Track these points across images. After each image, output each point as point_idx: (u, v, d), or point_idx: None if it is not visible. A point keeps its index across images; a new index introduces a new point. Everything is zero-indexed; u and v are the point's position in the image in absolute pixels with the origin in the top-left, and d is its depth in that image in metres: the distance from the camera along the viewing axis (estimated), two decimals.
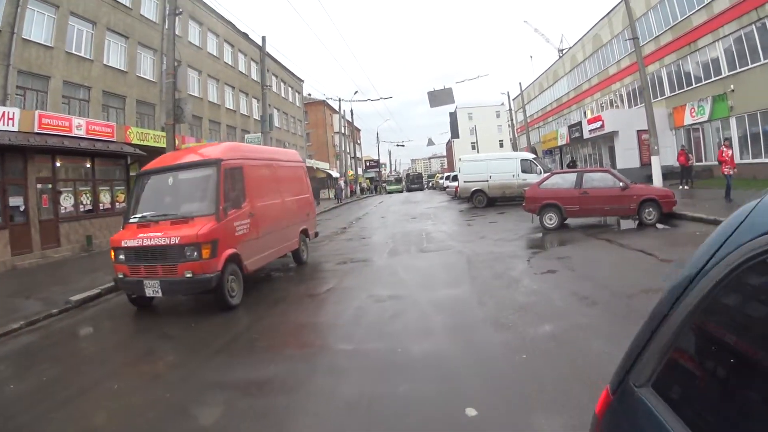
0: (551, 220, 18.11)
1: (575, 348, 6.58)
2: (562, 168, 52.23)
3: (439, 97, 44.52)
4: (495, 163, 31.80)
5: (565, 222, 18.39)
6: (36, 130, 22.48)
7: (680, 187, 27.20)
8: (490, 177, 31.05)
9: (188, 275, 10.14)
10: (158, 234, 10.42)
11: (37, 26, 26.31)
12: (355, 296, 10.92)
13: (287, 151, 18.26)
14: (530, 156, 32.81)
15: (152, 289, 10.40)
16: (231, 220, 11.10)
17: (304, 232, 16.02)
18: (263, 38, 35.97)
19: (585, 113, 54.68)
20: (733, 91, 31.09)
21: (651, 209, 16.86)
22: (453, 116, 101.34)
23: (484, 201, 31.24)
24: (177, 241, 10.20)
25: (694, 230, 15.16)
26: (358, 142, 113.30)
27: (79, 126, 25.91)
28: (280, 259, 14.91)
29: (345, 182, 67.37)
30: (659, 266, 10.81)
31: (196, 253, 10.15)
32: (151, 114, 35.46)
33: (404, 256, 15.60)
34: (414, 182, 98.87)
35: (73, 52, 28.64)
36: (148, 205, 11.54)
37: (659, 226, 16.53)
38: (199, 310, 11.05)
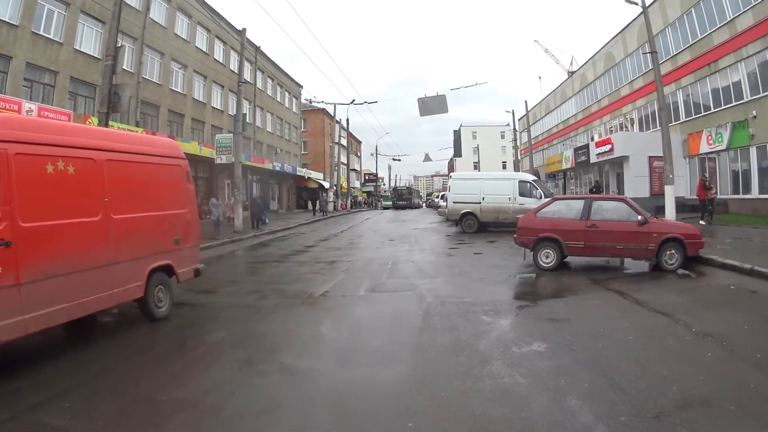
0: (548, 257, 14.63)
1: None
2: (565, 194, 49.49)
3: (431, 105, 40.78)
4: (489, 184, 28.33)
5: (565, 259, 15.04)
6: None
7: (700, 222, 24.10)
8: (483, 198, 27.60)
9: None
10: None
11: (2, 2, 24.73)
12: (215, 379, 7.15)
13: (154, 140, 12.99)
14: (530, 178, 29.35)
15: None
16: None
17: (166, 270, 10.38)
18: (243, 29, 33.97)
19: (593, 136, 51.63)
20: (755, 117, 28.24)
21: (673, 251, 13.57)
22: (457, 134, 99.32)
23: (474, 225, 27.77)
24: None
25: (726, 282, 12.00)
26: (358, 154, 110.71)
27: (29, 111, 23.57)
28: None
29: (336, 194, 64.35)
30: (696, 344, 7.53)
31: None
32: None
33: (346, 297, 12.11)
34: (401, 198, 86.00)
35: (41, 33, 26.75)
36: None
37: (681, 271, 13.45)
38: None
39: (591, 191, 31.11)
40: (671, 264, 13.53)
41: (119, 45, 18.75)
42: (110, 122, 27.56)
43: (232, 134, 31.72)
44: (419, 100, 40.58)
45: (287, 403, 5.99)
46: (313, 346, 8.37)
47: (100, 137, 9.16)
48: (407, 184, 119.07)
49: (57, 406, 5.94)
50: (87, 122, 25.18)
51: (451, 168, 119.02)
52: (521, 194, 27.09)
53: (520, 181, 28.01)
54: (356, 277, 14.73)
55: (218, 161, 33.41)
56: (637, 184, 36.02)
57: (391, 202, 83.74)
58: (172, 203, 10.63)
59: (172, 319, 10.15)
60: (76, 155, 8.11)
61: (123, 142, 9.71)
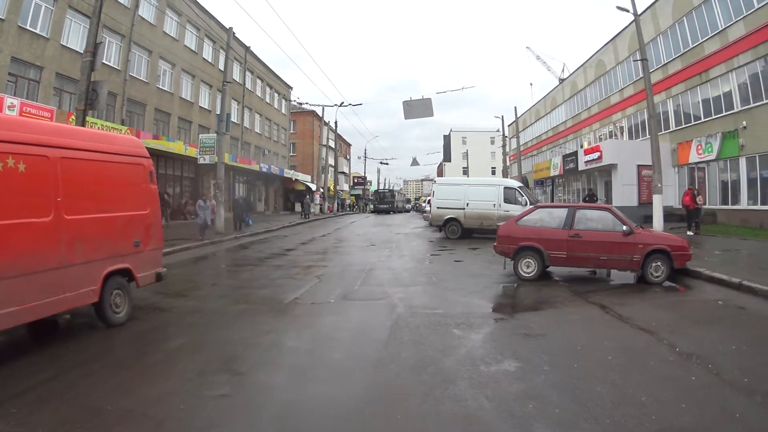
0: (529, 267, 14.06)
1: None
2: (553, 201, 49.13)
3: (416, 108, 40.10)
4: (474, 190, 27.75)
5: (547, 269, 14.51)
6: None
7: (687, 232, 23.69)
8: (467, 204, 27.03)
9: None
10: None
11: None
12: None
13: (114, 138, 12.08)
14: (516, 184, 28.68)
15: None
16: None
17: (124, 274, 9.91)
18: (230, 28, 33.14)
19: (582, 144, 51.28)
20: (745, 128, 27.97)
21: (659, 263, 13.02)
22: (447, 139, 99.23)
23: (458, 232, 27.24)
24: None
25: (713, 296, 11.51)
26: (347, 157, 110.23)
27: (11, 106, 22.84)
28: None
29: (323, 197, 63.76)
30: (679, 366, 7.00)
31: None
32: (111, 104, 32.56)
33: (315, 305, 11.55)
34: (383, 201, 78.95)
35: (28, 27, 26.30)
36: None
37: (667, 284, 12.95)
38: None
39: (584, 200, 30.46)
40: (657, 276, 13.02)
41: (99, 41, 18.50)
42: (95, 120, 27.42)
43: (216, 134, 30.98)
44: (404, 103, 39.97)
45: (229, 421, 5.54)
46: (270, 358, 7.87)
47: (55, 134, 8.68)
48: (390, 187, 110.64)
49: (5, 410, 5.73)
50: (70, 119, 24.66)
51: (440, 173, 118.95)
52: (506, 201, 26.52)
53: (505, 188, 27.44)
54: (330, 283, 14.21)
55: (201, 161, 32.74)
56: (625, 193, 35.69)
57: (379, 206, 77.58)
58: (133, 204, 10.19)
59: (135, 324, 9.76)
60: (28, 152, 7.67)
61: (80, 139, 9.20)
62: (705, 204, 26.74)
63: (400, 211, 78.24)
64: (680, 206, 27.54)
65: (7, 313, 7.14)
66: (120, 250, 9.69)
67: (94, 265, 8.96)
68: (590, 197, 31.61)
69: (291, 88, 73.26)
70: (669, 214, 27.41)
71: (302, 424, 5.54)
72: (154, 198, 10.98)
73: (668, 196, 30.09)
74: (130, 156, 10.33)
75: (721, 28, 29.66)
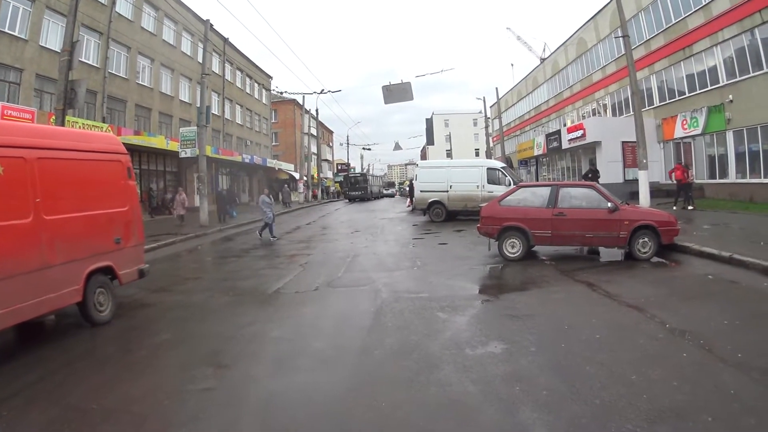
0: (513, 247, 13.85)
1: None
2: (537, 180, 48.96)
3: (396, 93, 39.73)
4: (457, 172, 27.61)
5: (532, 248, 14.28)
6: None
7: (674, 207, 23.62)
8: (451, 187, 26.96)
9: None
10: None
11: None
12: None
13: (90, 136, 11.76)
14: (499, 165, 28.51)
15: None
16: None
17: (106, 272, 9.75)
18: (207, 20, 32.08)
19: (565, 122, 51.05)
20: (731, 101, 27.73)
21: (647, 239, 12.86)
22: (429, 122, 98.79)
23: (442, 214, 27.13)
24: None
25: (703, 271, 11.30)
26: (330, 144, 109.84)
27: None
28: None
29: (306, 185, 63.41)
30: (670, 343, 6.81)
31: None
32: (92, 102, 32.39)
33: (299, 294, 11.44)
34: (356, 187, 68.64)
35: (6, 30, 26.23)
36: None
37: (655, 260, 12.74)
38: None
39: (586, 176, 29.66)
40: (644, 252, 12.85)
41: (76, 40, 18.17)
42: (76, 119, 27.09)
43: (197, 127, 30.58)
44: (384, 87, 39.62)
45: (212, 415, 5.48)
46: (253, 349, 7.78)
47: (30, 135, 8.61)
48: (363, 170, 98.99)
49: None
50: (51, 120, 24.41)
51: (423, 156, 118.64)
52: (490, 182, 26.38)
53: (488, 169, 27.32)
54: (314, 271, 14.06)
55: (182, 155, 32.25)
56: (610, 170, 35.44)
57: (358, 193, 67.97)
58: (112, 201, 10.08)
59: (120, 321, 9.69)
60: (4, 154, 7.58)
61: (57, 138, 9.14)
62: (693, 179, 26.51)
63: (373, 198, 71.37)
64: (668, 182, 27.34)
65: None
66: (101, 248, 9.59)
67: (75, 264, 8.85)
68: (593, 173, 30.65)
69: (271, 78, 72.67)
70: (656, 190, 27.25)
71: (285, 413, 5.46)
72: (133, 194, 10.90)
73: (654, 171, 29.90)
74: (107, 153, 10.22)
75: (704, 3, 29.37)
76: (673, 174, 25.21)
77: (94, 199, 9.55)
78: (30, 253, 7.90)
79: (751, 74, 26.31)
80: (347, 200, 68.13)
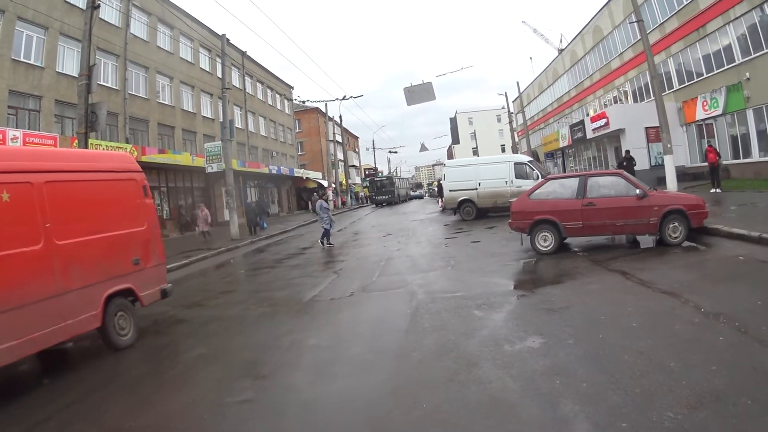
0: (546, 241, 13.93)
1: None
2: (565, 172, 48.71)
3: (418, 94, 40.15)
4: (485, 169, 27.67)
5: (564, 240, 14.30)
6: None
7: (711, 190, 23.52)
8: (479, 184, 27.02)
9: None
10: None
11: None
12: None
13: (101, 155, 12.16)
14: (526, 159, 28.58)
15: None
16: None
17: (126, 294, 9.58)
18: (223, 35, 32.64)
19: (587, 112, 50.84)
20: (748, 79, 27.55)
21: (677, 224, 12.76)
22: (453, 121, 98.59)
23: (473, 212, 27.21)
24: None
25: (733, 253, 11.21)
26: (356, 150, 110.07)
27: (14, 138, 23.22)
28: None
29: (335, 192, 63.66)
30: (706, 327, 6.85)
31: None
32: (114, 124, 32.87)
33: (335, 300, 11.51)
34: (381, 192, 67.58)
35: (21, 59, 26.70)
36: None
37: (686, 244, 12.71)
38: None
39: (621, 165, 29.09)
40: (675, 237, 12.79)
41: (93, 63, 18.50)
42: (99, 142, 27.54)
43: (221, 142, 30.93)
44: (406, 89, 40.05)
45: (254, 425, 5.62)
46: (291, 358, 7.84)
47: (36, 158, 8.55)
48: (391, 172, 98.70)
49: None
50: (74, 144, 24.64)
51: (450, 155, 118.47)
52: (518, 176, 26.43)
53: (515, 164, 27.32)
54: (348, 277, 14.24)
55: (209, 170, 32.71)
56: (636, 156, 35.24)
57: (386, 197, 66.92)
58: (128, 221, 9.86)
59: (153, 338, 9.79)
60: (9, 180, 7.42)
61: (65, 160, 9.12)
62: (721, 161, 26.22)
63: (401, 201, 69.93)
64: (694, 165, 27.02)
65: (6, 348, 6.87)
66: (119, 270, 9.37)
67: (92, 288, 8.66)
68: (627, 161, 29.90)
69: (292, 87, 73.21)
70: (682, 174, 27.10)
71: (325, 420, 5.54)
72: (151, 213, 10.72)
73: (679, 155, 29.74)
74: (121, 172, 10.12)
75: None
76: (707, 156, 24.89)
77: (108, 221, 9.36)
78: (42, 279, 7.72)
79: (765, 50, 26.19)
80: (374, 205, 67.18)
